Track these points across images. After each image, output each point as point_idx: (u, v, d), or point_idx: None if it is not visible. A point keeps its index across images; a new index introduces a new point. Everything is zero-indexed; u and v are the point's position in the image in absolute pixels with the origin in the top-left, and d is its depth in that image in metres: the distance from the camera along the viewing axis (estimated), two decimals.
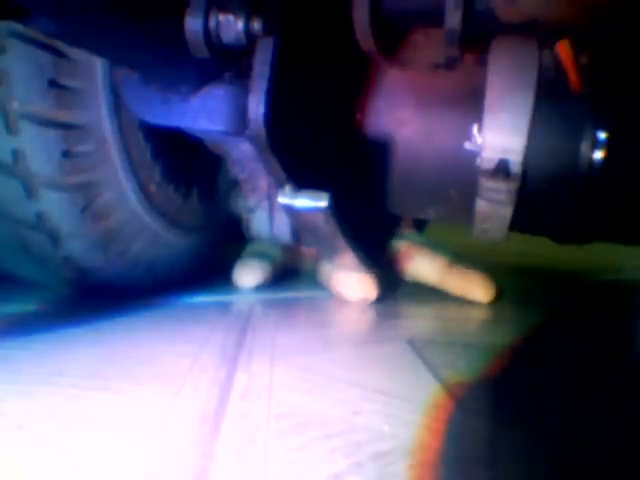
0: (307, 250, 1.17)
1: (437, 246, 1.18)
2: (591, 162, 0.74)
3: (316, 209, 0.68)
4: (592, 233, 0.84)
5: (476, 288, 1.04)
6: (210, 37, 0.57)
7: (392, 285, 1.12)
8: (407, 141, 0.81)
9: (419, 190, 0.84)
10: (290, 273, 1.20)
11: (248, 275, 1.08)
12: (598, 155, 0.74)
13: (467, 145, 0.78)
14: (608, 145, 0.74)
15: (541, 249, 1.26)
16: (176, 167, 0.94)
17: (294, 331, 0.83)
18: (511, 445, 0.49)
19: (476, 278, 1.05)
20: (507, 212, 0.77)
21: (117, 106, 0.78)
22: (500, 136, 0.73)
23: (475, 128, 0.77)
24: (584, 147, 0.74)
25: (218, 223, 1.08)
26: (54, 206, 0.75)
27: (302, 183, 0.68)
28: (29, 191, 0.73)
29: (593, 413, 0.58)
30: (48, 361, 0.63)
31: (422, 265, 1.10)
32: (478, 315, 1.01)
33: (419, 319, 0.98)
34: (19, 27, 0.65)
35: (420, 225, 1.23)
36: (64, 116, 0.72)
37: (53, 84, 0.70)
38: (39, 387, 0.56)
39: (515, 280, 1.45)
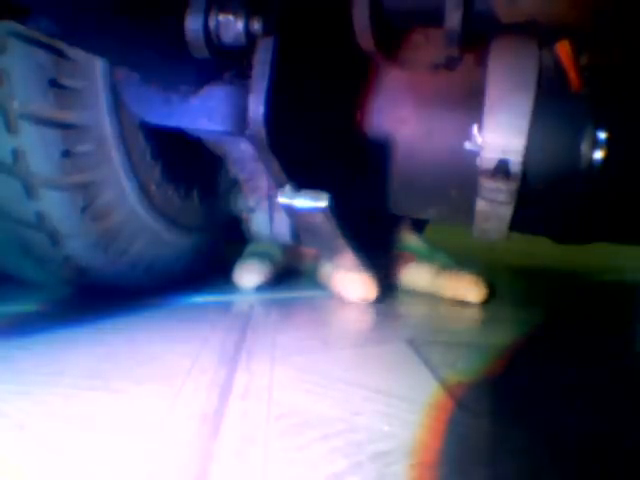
0: (307, 250, 1.17)
1: (435, 249, 1.18)
2: (591, 162, 0.74)
3: (316, 209, 0.68)
4: (592, 233, 0.84)
5: (467, 289, 1.04)
6: (210, 37, 0.57)
7: (391, 286, 1.12)
8: (407, 141, 0.81)
9: (419, 190, 0.84)
10: (290, 273, 1.20)
11: (248, 275, 1.08)
12: (598, 155, 0.74)
13: (467, 145, 0.78)
14: (608, 145, 0.74)
15: (541, 249, 1.26)
16: (176, 167, 0.94)
17: (294, 331, 0.83)
18: (511, 445, 0.49)
19: (467, 280, 1.06)
20: (507, 212, 0.77)
21: (117, 106, 0.78)
22: (500, 136, 0.73)
23: (475, 128, 0.77)
24: (584, 147, 0.74)
25: (218, 223, 1.08)
26: (54, 206, 0.75)
27: (302, 183, 0.68)
28: (29, 191, 0.73)
29: (593, 412, 0.58)
30: (48, 361, 0.63)
31: (414, 275, 1.12)
32: (478, 315, 1.01)
33: (419, 319, 0.98)
34: (19, 27, 0.65)
35: (420, 225, 1.23)
36: (64, 116, 0.72)
37: (53, 84, 0.70)
38: (39, 387, 0.56)
39: (515, 280, 1.45)
